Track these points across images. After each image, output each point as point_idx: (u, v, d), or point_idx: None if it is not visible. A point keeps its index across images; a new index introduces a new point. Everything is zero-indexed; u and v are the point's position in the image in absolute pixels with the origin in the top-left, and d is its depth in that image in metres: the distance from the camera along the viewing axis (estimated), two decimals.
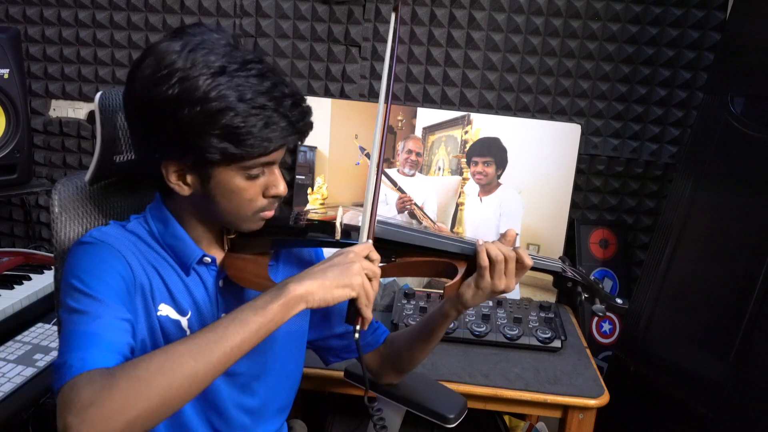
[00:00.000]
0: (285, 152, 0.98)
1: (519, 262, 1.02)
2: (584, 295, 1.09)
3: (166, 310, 0.96)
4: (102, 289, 0.86)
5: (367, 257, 0.92)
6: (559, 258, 1.11)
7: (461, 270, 1.04)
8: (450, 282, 1.03)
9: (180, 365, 0.77)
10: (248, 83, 0.88)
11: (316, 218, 1.08)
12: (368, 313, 0.91)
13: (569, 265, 1.10)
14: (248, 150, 0.89)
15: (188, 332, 0.97)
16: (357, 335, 0.92)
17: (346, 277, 0.88)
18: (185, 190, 0.94)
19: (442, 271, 1.06)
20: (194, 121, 0.86)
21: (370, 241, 0.97)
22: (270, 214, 0.99)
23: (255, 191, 0.95)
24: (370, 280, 0.90)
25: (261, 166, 0.93)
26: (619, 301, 1.09)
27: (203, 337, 0.80)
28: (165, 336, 0.96)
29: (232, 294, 1.03)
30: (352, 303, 0.91)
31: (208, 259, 1.01)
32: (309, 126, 0.95)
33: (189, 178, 0.93)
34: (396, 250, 1.05)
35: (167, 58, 0.87)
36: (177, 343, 0.80)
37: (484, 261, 1.01)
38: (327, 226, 1.07)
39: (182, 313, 0.98)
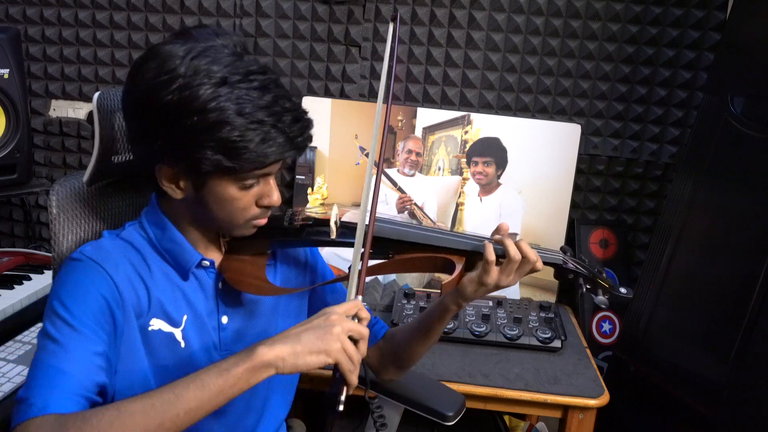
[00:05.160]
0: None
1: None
2: (586, 286, 1.04)
3: (158, 324, 0.95)
4: (82, 315, 0.86)
5: (355, 316, 0.87)
6: (561, 248, 1.07)
7: (459, 266, 1.02)
8: (448, 279, 1.00)
9: (130, 424, 0.76)
10: (249, 96, 0.86)
11: (311, 217, 1.08)
12: (353, 378, 0.85)
13: (570, 256, 1.06)
14: (243, 164, 0.88)
15: (182, 343, 0.97)
16: (340, 406, 0.85)
17: (323, 342, 0.82)
18: (178, 194, 0.94)
19: (440, 266, 1.05)
20: (191, 131, 0.86)
21: (359, 297, 0.90)
22: (262, 222, 0.99)
23: (248, 200, 0.94)
24: (356, 342, 0.85)
25: (256, 177, 0.93)
26: (623, 290, 1.04)
27: (159, 396, 0.79)
28: (159, 350, 0.95)
29: (231, 296, 1.03)
30: (336, 369, 0.85)
31: (207, 263, 1.01)
32: (308, 140, 0.95)
33: (182, 183, 0.93)
34: (393, 247, 1.04)
35: (169, 63, 0.86)
36: (132, 399, 0.80)
37: (491, 255, 0.98)
38: (322, 225, 1.06)
39: (175, 324, 0.97)
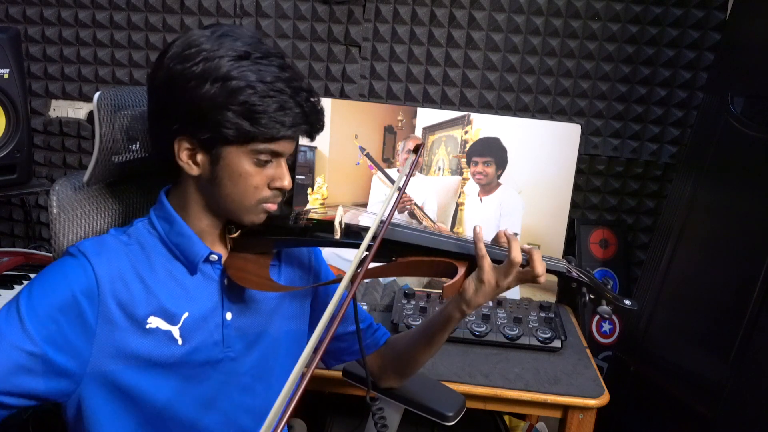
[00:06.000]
0: (294, 148, 1.00)
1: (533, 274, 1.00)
2: (589, 296, 1.04)
3: (155, 322, 0.96)
4: (39, 308, 0.88)
5: None
6: (565, 258, 1.09)
7: (461, 270, 1.02)
8: (449, 282, 1.01)
9: None
10: (269, 70, 0.92)
11: (315, 218, 1.08)
12: None
13: (575, 266, 1.07)
14: (261, 129, 0.91)
15: (180, 341, 0.97)
16: None
17: None
18: (194, 170, 0.96)
19: (442, 271, 1.05)
20: (214, 97, 0.90)
21: None
22: (273, 207, 1.00)
23: (261, 179, 0.96)
24: None
25: (269, 154, 0.95)
26: (627, 302, 1.03)
27: None
28: (158, 348, 0.95)
29: (236, 293, 1.03)
30: None
31: (215, 257, 1.01)
32: (320, 121, 1.00)
33: (199, 158, 0.95)
34: (397, 249, 1.04)
35: (196, 40, 0.93)
36: None
37: (482, 250, 1.01)
38: (327, 225, 1.06)
39: (174, 322, 0.97)
